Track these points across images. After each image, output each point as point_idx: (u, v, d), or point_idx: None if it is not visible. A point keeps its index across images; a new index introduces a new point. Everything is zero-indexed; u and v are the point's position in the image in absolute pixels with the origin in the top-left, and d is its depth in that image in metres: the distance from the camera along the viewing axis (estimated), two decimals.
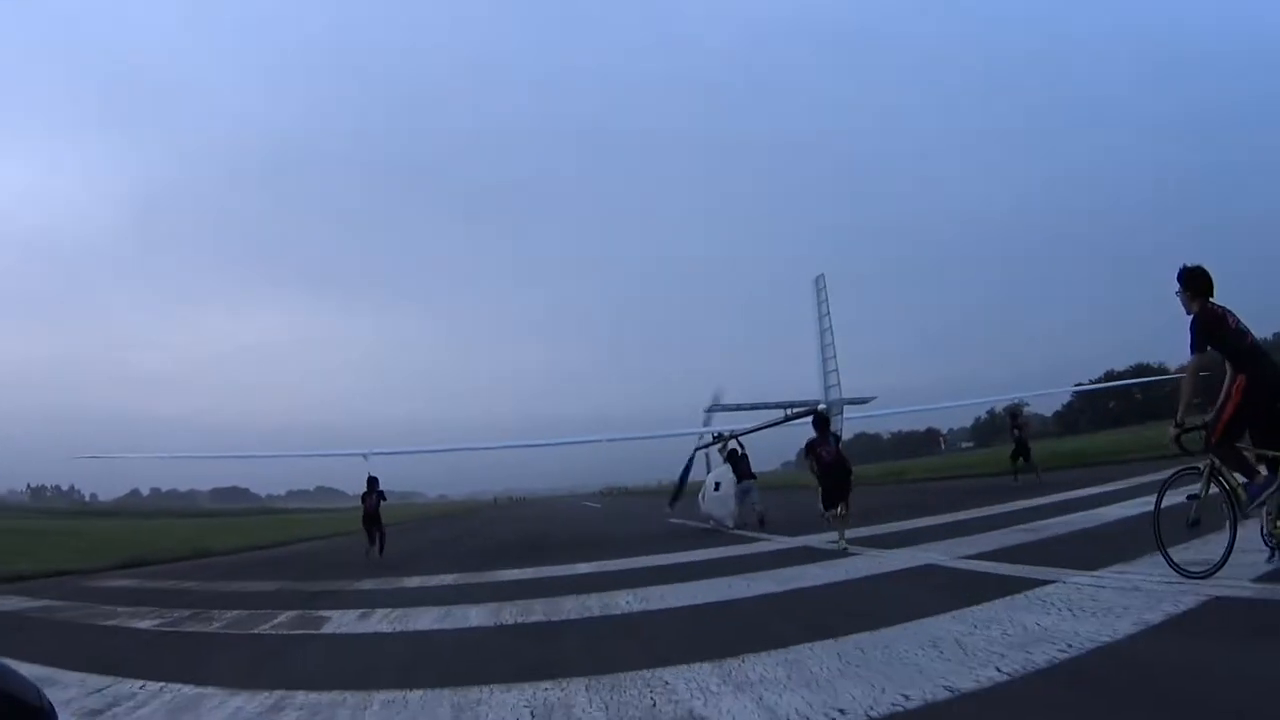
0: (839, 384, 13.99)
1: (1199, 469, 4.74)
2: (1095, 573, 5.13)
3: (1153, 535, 4.94)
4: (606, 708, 3.25)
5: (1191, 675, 2.97)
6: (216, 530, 29.78)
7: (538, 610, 6.18)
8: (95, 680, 4.44)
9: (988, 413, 69.16)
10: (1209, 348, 4.57)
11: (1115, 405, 62.44)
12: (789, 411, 14.99)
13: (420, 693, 3.73)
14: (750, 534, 11.95)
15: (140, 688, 4.24)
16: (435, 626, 5.96)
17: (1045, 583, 5.02)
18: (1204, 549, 4.69)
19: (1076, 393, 57.85)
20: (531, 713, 3.27)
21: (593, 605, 6.23)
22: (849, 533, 8.79)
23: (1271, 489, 4.27)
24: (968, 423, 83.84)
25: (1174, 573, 4.62)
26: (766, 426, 15.66)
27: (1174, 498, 4.97)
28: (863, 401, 17.06)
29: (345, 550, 17.85)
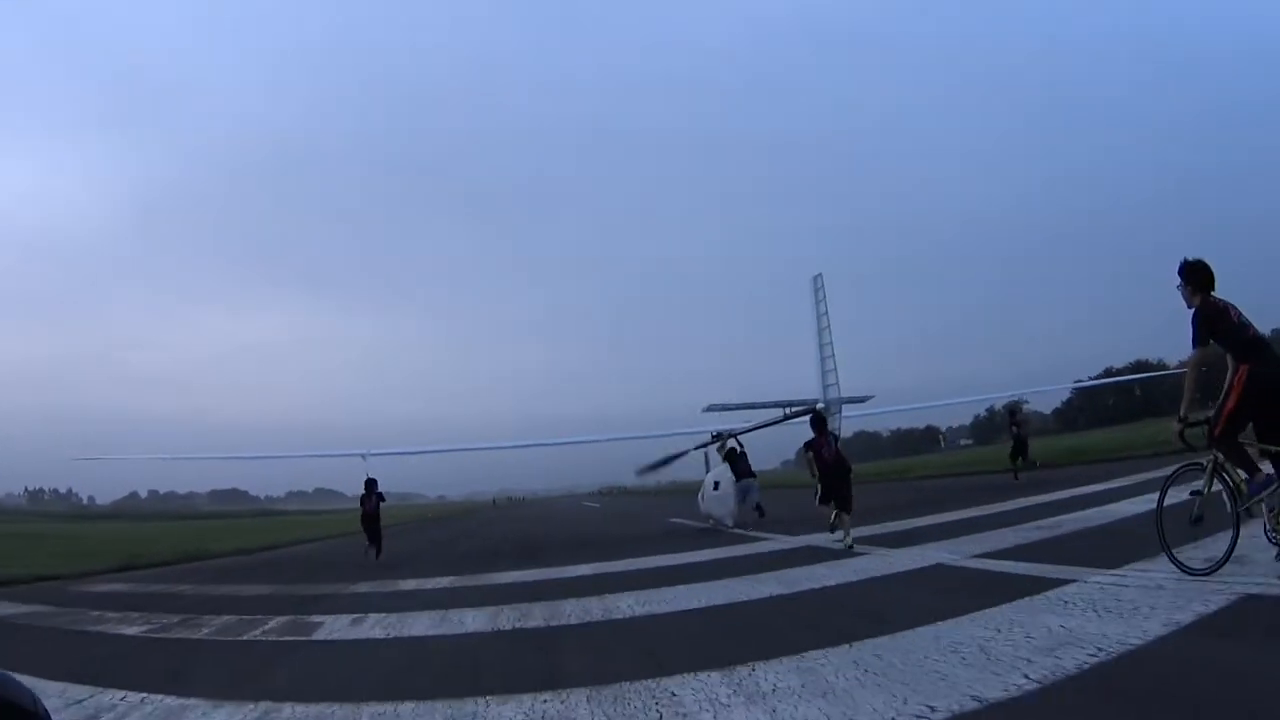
0: (837, 383, 13.92)
1: (1202, 464, 4.71)
2: (1116, 571, 4.96)
3: (1161, 532, 4.86)
4: None
5: (1232, 679, 2.80)
6: (214, 532, 29.68)
7: (536, 615, 5.98)
8: (77, 691, 4.30)
9: (987, 410, 69.05)
10: (1211, 341, 4.54)
11: (1114, 402, 62.41)
12: (787, 411, 14.93)
13: (412, 705, 3.54)
14: (752, 534, 11.78)
15: (121, 699, 4.09)
16: (430, 632, 5.77)
17: (1064, 582, 4.84)
18: (1209, 546, 4.62)
19: (1076, 390, 57.76)
20: None
21: (593, 609, 6.03)
22: (854, 531, 8.61)
23: (1271, 489, 4.24)
24: (967, 420, 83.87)
25: (1180, 570, 4.58)
26: (765, 425, 15.55)
27: (1177, 495, 4.88)
28: (861, 400, 17.02)
29: (343, 552, 17.69)
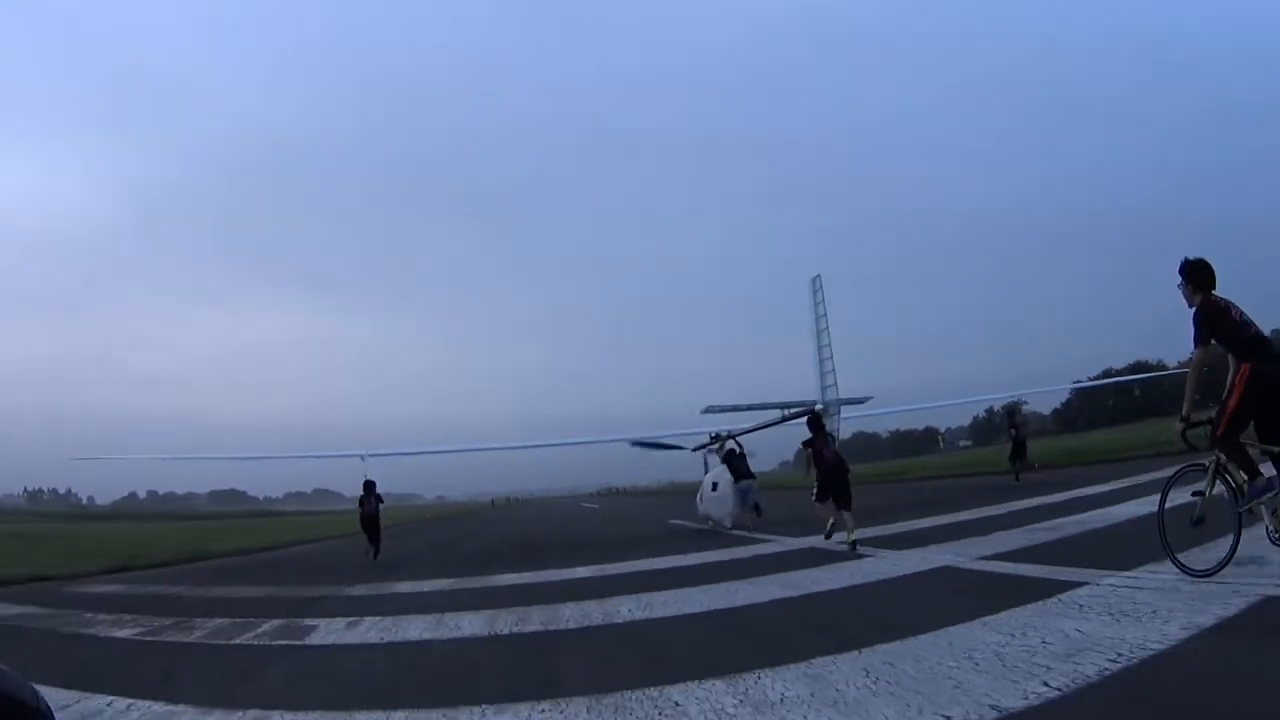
0: (835, 384, 13.84)
1: (1204, 465, 4.68)
2: (1128, 573, 4.85)
3: (1163, 534, 4.82)
4: None
5: (1259, 683, 2.69)
6: (213, 533, 29.55)
7: (534, 619, 5.86)
8: (62, 696, 4.15)
9: (986, 411, 69.08)
10: (1213, 341, 4.50)
11: (1114, 403, 62.34)
12: (786, 412, 14.87)
13: (405, 713, 3.42)
14: (752, 535, 11.66)
15: (108, 704, 3.98)
16: (426, 636, 5.63)
17: (1076, 584, 4.73)
18: (1212, 548, 4.55)
19: (1075, 390, 57.66)
20: None
21: (593, 613, 5.91)
22: (856, 532, 8.49)
23: (1272, 493, 4.20)
24: (966, 421, 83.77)
25: (1181, 571, 4.55)
26: (764, 427, 15.47)
27: (1179, 496, 4.82)
28: (859, 401, 16.98)
29: (340, 553, 17.58)
